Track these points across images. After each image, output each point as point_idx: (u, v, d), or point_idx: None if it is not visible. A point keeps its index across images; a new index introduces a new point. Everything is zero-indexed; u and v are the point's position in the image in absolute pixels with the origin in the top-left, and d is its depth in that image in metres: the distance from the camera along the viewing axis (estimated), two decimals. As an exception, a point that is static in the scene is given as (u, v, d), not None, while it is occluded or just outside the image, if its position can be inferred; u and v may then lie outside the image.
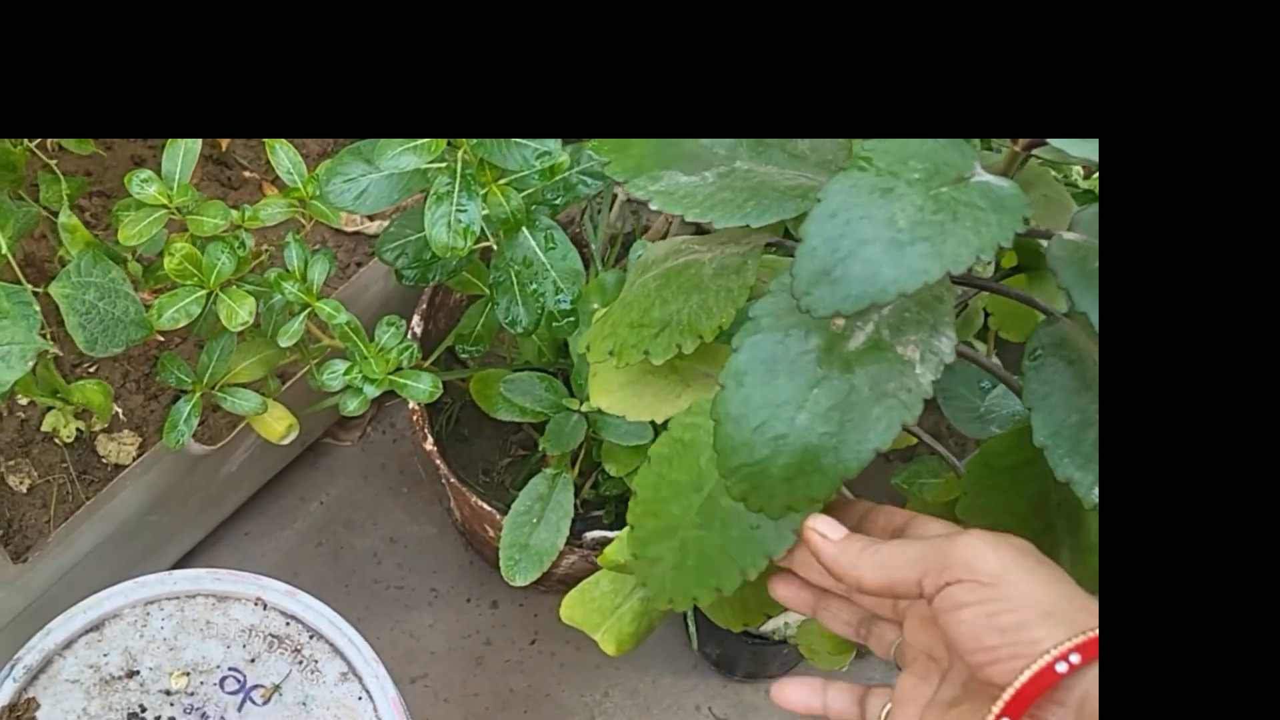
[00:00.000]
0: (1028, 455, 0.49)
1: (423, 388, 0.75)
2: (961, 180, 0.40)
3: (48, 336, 0.71)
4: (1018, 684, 0.37)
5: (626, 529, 0.63)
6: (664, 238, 0.93)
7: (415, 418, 0.91)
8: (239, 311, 0.72)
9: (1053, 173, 0.56)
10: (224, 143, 1.06)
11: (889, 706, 0.45)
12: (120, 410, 0.96)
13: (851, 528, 0.46)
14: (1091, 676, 0.37)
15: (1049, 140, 0.39)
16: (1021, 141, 0.41)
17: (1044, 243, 0.46)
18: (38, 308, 0.67)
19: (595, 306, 0.85)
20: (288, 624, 0.85)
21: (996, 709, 0.38)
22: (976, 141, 0.48)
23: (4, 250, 0.66)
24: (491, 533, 0.98)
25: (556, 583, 1.05)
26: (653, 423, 0.84)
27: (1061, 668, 0.37)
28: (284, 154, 0.76)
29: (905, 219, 0.38)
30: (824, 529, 0.44)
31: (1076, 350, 0.45)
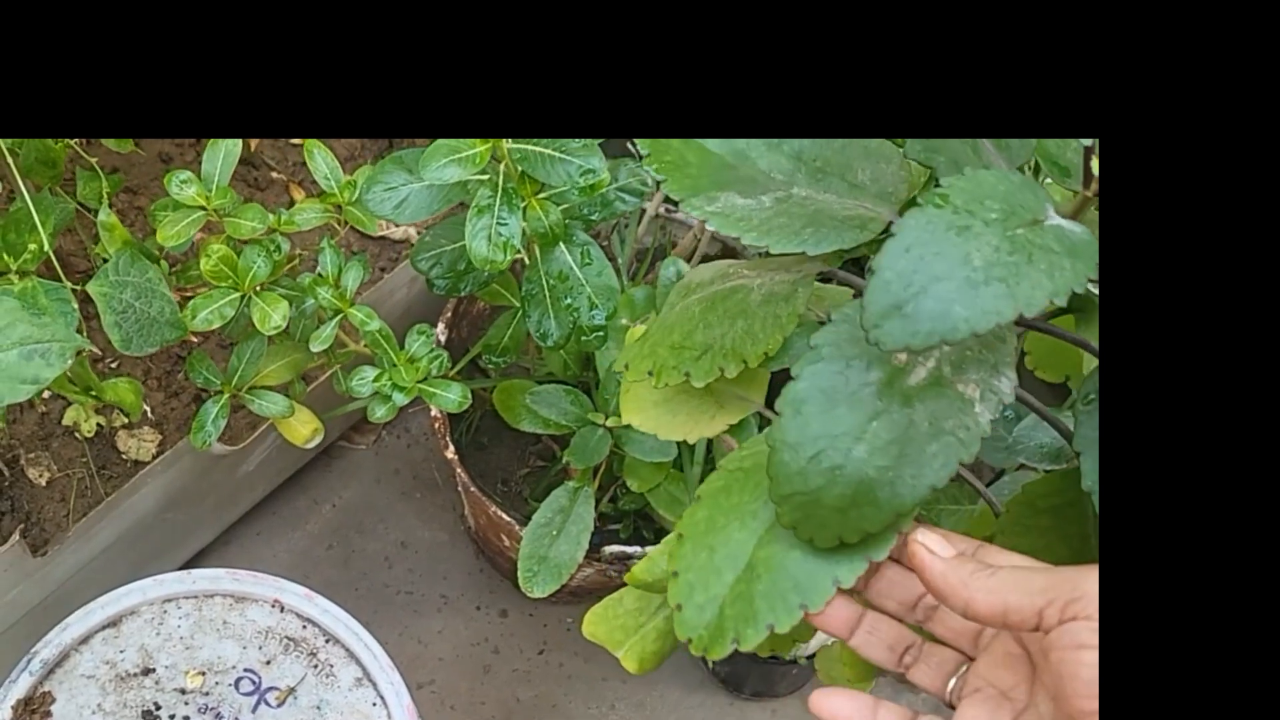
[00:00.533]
0: (1072, 497, 0.49)
1: (452, 397, 0.76)
2: (1036, 223, 0.40)
3: (83, 331, 0.71)
4: None
5: (662, 550, 0.63)
6: (691, 254, 0.94)
7: (437, 425, 0.91)
8: (272, 315, 0.73)
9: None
10: (252, 144, 1.07)
11: None
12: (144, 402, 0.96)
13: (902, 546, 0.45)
14: None
15: None
16: (1093, 187, 0.41)
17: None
18: (75, 305, 0.67)
19: (624, 321, 0.85)
20: (304, 627, 0.85)
21: None
22: (1049, 183, 0.49)
23: (45, 246, 0.66)
24: (507, 542, 0.98)
25: (567, 594, 1.05)
26: (680, 443, 0.85)
27: None
28: (321, 159, 0.76)
29: (981, 258, 0.38)
30: (934, 545, 0.42)
31: (1127, 394, 0.46)
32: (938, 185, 0.40)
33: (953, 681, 0.44)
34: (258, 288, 0.74)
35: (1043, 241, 0.39)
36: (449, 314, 0.94)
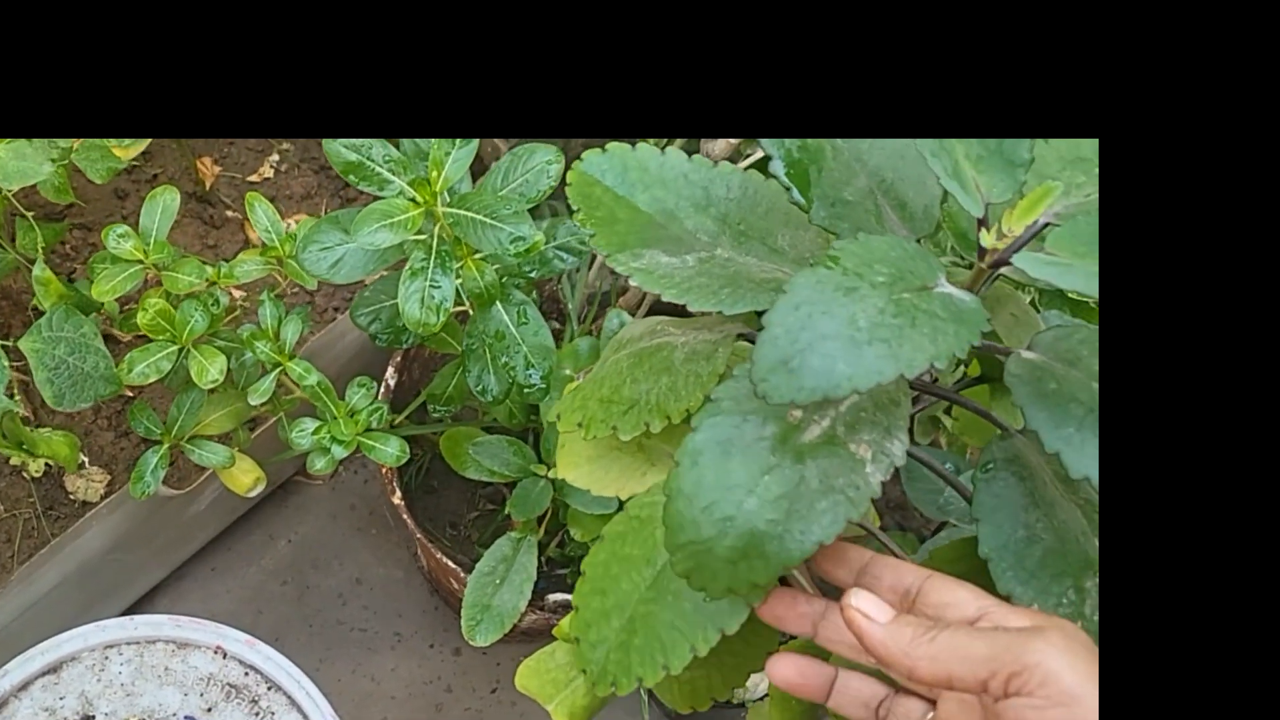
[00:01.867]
0: (977, 564, 0.50)
1: (390, 451, 0.76)
2: (925, 289, 0.40)
3: (14, 387, 0.71)
4: None
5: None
6: (640, 303, 0.94)
7: (384, 471, 0.91)
8: (210, 369, 0.73)
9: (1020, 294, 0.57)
10: (207, 180, 1.07)
11: None
12: (89, 448, 0.96)
13: (851, 579, 0.44)
14: None
15: (1011, 263, 0.40)
16: (988, 259, 0.41)
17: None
18: (6, 363, 0.67)
19: (568, 372, 0.86)
20: (246, 674, 0.85)
21: None
22: (942, 258, 0.49)
23: (-24, 304, 0.66)
24: (456, 585, 0.98)
25: (520, 634, 1.05)
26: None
27: None
28: (262, 212, 0.76)
29: (865, 319, 0.39)
30: (869, 609, 0.41)
31: (1028, 467, 0.46)
32: (831, 245, 0.40)
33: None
34: (195, 341, 0.74)
35: (928, 307, 0.39)
36: (399, 358, 0.94)
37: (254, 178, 1.09)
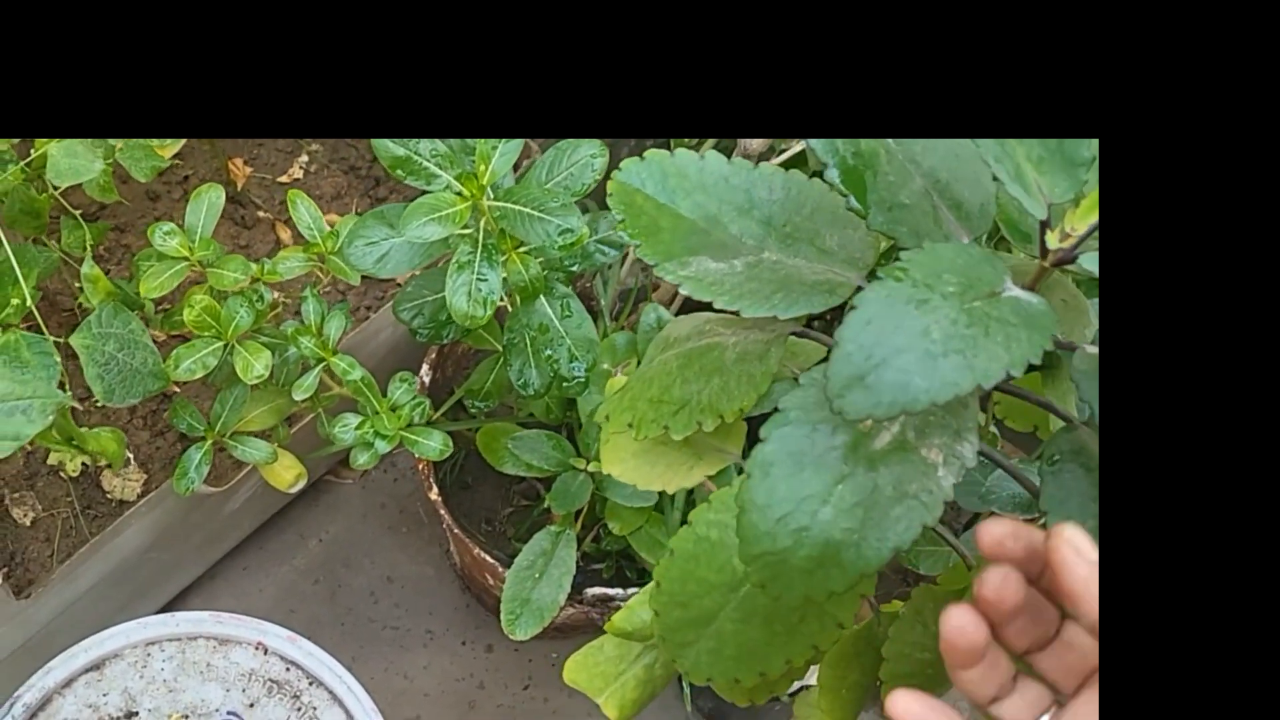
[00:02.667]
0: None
1: (434, 445, 0.76)
2: (994, 295, 0.41)
3: (65, 383, 0.72)
4: None
5: (642, 600, 0.64)
6: (673, 298, 0.94)
7: (421, 466, 0.91)
8: (255, 365, 0.73)
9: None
10: (239, 181, 1.07)
11: None
12: (127, 447, 0.96)
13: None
14: None
15: (1080, 261, 0.40)
16: (1052, 258, 0.42)
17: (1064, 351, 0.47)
18: (58, 358, 0.68)
19: (606, 367, 0.86)
20: (288, 669, 0.85)
21: None
22: (1007, 255, 0.50)
23: (27, 300, 0.67)
24: (491, 581, 0.98)
25: (553, 630, 1.05)
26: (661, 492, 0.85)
27: None
28: (304, 208, 0.77)
29: (939, 331, 0.39)
30: (1081, 544, 0.38)
31: (1094, 458, 0.47)
32: (898, 257, 0.41)
33: (1045, 718, 0.41)
34: (240, 337, 0.74)
35: (999, 314, 0.40)
36: (433, 355, 0.95)
37: (284, 178, 1.10)
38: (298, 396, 0.75)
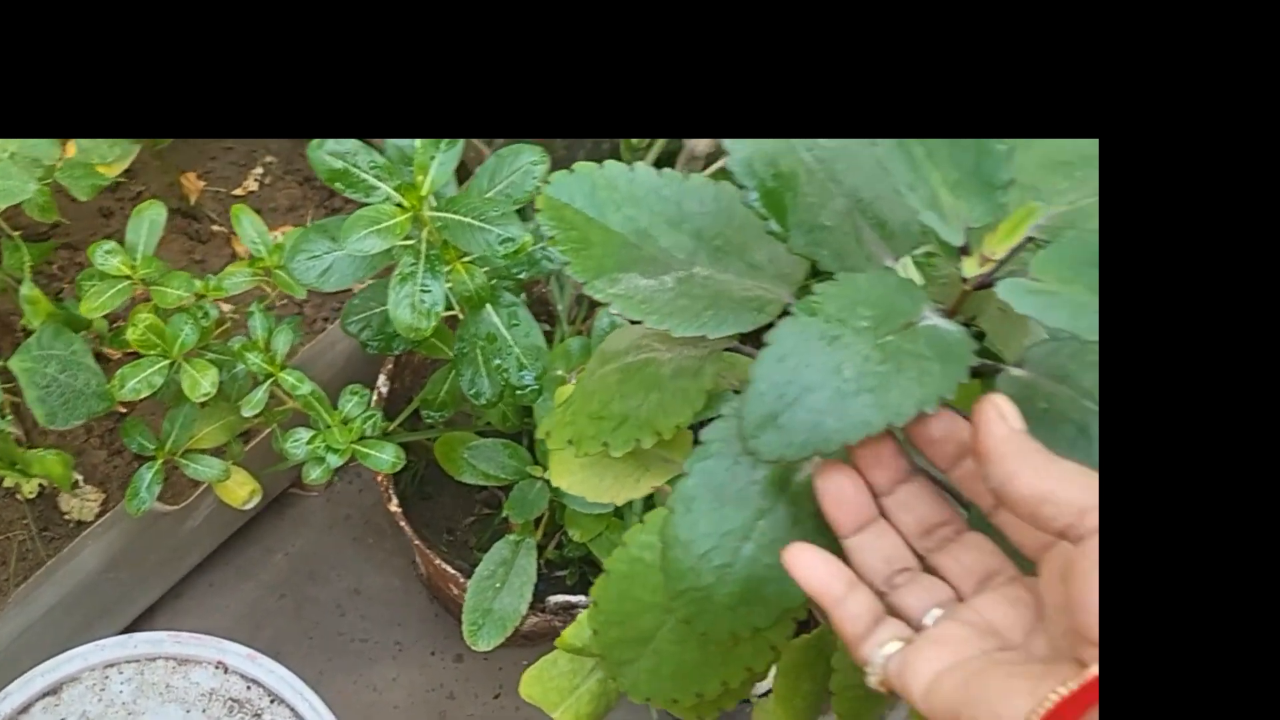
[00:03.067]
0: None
1: (386, 458, 0.76)
2: (910, 325, 0.40)
3: (5, 408, 0.71)
4: None
5: (586, 616, 0.64)
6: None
7: (380, 478, 0.91)
8: (202, 383, 0.72)
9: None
10: (192, 195, 1.06)
11: (899, 647, 0.39)
12: (83, 467, 0.95)
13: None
14: None
15: (996, 290, 0.40)
16: (972, 283, 0.41)
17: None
18: (-2, 382, 0.67)
19: (560, 373, 0.86)
20: (249, 688, 0.84)
21: None
22: (941, 266, 0.49)
23: (-35, 325, 0.66)
24: (456, 591, 0.98)
25: (521, 638, 1.05)
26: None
27: None
28: (249, 223, 0.76)
29: (851, 369, 0.38)
30: (1006, 410, 0.37)
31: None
32: (812, 290, 0.40)
33: (937, 611, 0.40)
34: (187, 355, 0.74)
35: (914, 347, 0.39)
36: (390, 365, 0.94)
37: (238, 191, 1.09)
38: (246, 413, 0.74)
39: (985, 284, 0.41)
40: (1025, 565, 0.41)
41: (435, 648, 1.10)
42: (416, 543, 0.91)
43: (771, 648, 0.53)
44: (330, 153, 0.65)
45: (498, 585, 0.84)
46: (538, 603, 0.88)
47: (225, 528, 1.08)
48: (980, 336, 0.55)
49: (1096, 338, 0.36)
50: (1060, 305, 0.37)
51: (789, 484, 0.43)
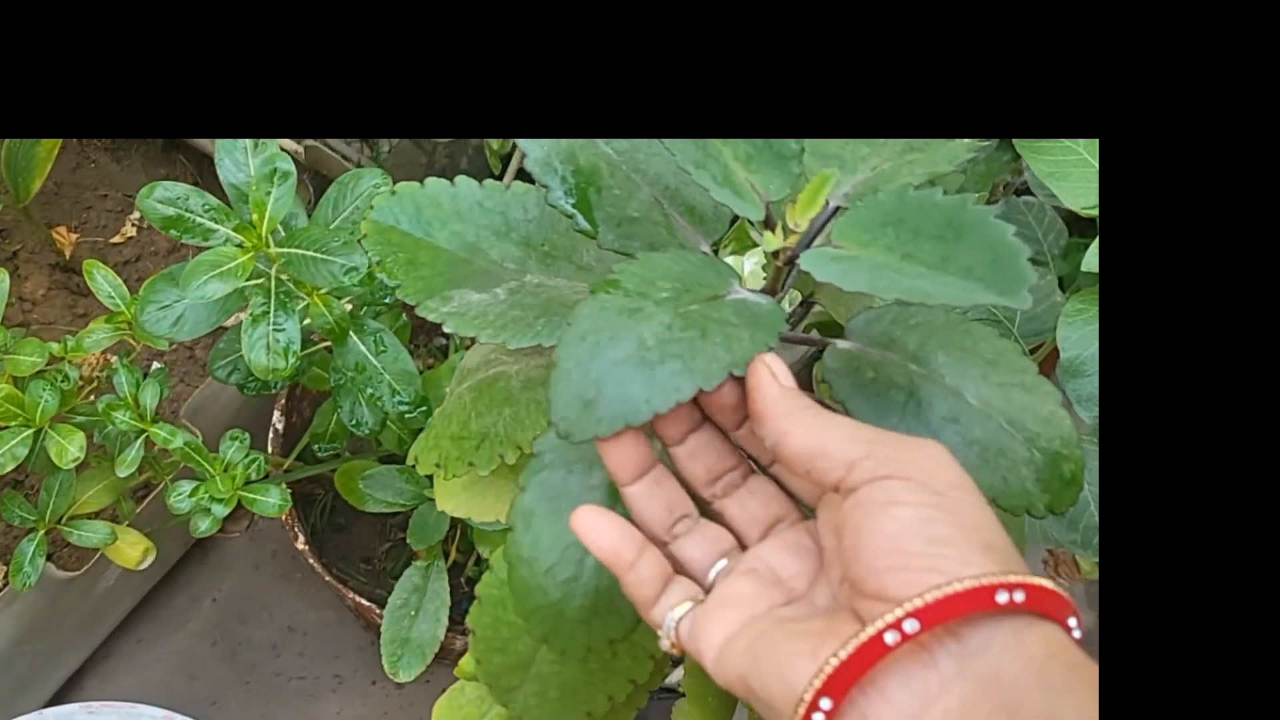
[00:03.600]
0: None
1: (272, 501, 0.73)
2: (715, 298, 0.39)
3: None
4: (946, 591, 0.31)
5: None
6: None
7: (285, 518, 0.89)
8: (69, 448, 0.70)
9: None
10: (66, 249, 1.03)
11: (689, 609, 0.38)
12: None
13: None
14: (1024, 641, 0.32)
15: (800, 262, 0.38)
16: (782, 258, 0.40)
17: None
18: None
19: (449, 390, 0.84)
20: (169, 749, 0.82)
21: (905, 609, 0.32)
22: (745, 267, 0.48)
23: None
24: (380, 621, 0.96)
25: (458, 657, 1.03)
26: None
27: (1002, 597, 0.32)
28: (101, 278, 0.73)
29: (654, 337, 0.37)
30: (777, 368, 0.38)
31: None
32: (612, 271, 0.38)
33: (722, 562, 0.40)
34: (51, 420, 0.71)
35: (719, 315, 0.38)
36: (283, 401, 0.92)
37: (117, 239, 1.06)
38: (122, 473, 0.72)
39: (794, 257, 0.39)
40: (809, 512, 0.40)
41: (375, 677, 1.08)
42: (328, 579, 0.88)
43: (650, 656, 0.52)
44: (160, 200, 0.63)
45: (412, 613, 0.82)
46: (459, 624, 0.87)
47: (145, 582, 1.06)
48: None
49: (894, 297, 0.35)
50: (859, 268, 0.36)
51: None
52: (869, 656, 0.32)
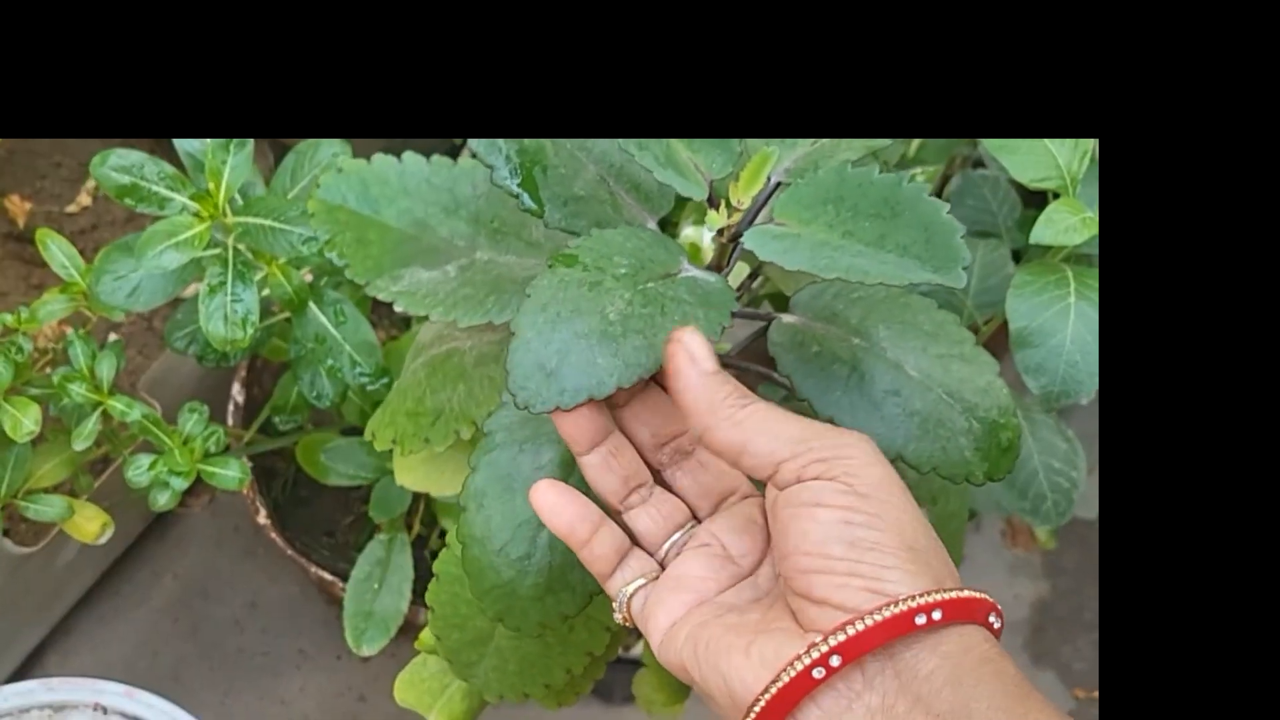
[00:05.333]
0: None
1: (232, 475, 0.73)
2: (669, 276, 0.39)
3: None
4: (873, 620, 0.33)
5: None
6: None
7: (246, 492, 0.88)
8: (24, 421, 0.69)
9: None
10: (19, 219, 1.02)
11: (641, 585, 0.40)
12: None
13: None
14: (940, 640, 0.33)
15: (743, 241, 0.39)
16: (727, 235, 0.40)
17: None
18: None
19: (405, 366, 0.83)
20: (131, 725, 0.82)
21: (828, 646, 0.33)
22: (704, 240, 0.48)
23: None
24: (343, 595, 0.96)
25: (420, 631, 1.03)
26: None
27: (920, 619, 0.33)
28: (55, 247, 0.72)
29: (615, 312, 0.37)
30: (698, 352, 0.37)
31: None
32: (568, 244, 0.39)
33: (676, 535, 0.40)
34: (5, 393, 0.70)
35: (675, 293, 0.38)
36: (243, 373, 0.91)
37: (72, 208, 1.05)
38: (78, 446, 0.71)
39: (739, 234, 0.40)
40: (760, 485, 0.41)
41: (339, 651, 1.08)
42: (291, 553, 0.88)
43: (605, 628, 0.52)
44: (114, 168, 0.62)
45: (375, 587, 0.82)
46: (423, 597, 0.87)
47: (105, 557, 1.05)
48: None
49: (833, 275, 0.35)
50: (800, 246, 0.37)
51: (576, 465, 0.42)
52: (796, 692, 0.33)
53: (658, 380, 0.40)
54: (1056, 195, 0.55)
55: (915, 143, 0.70)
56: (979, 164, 0.80)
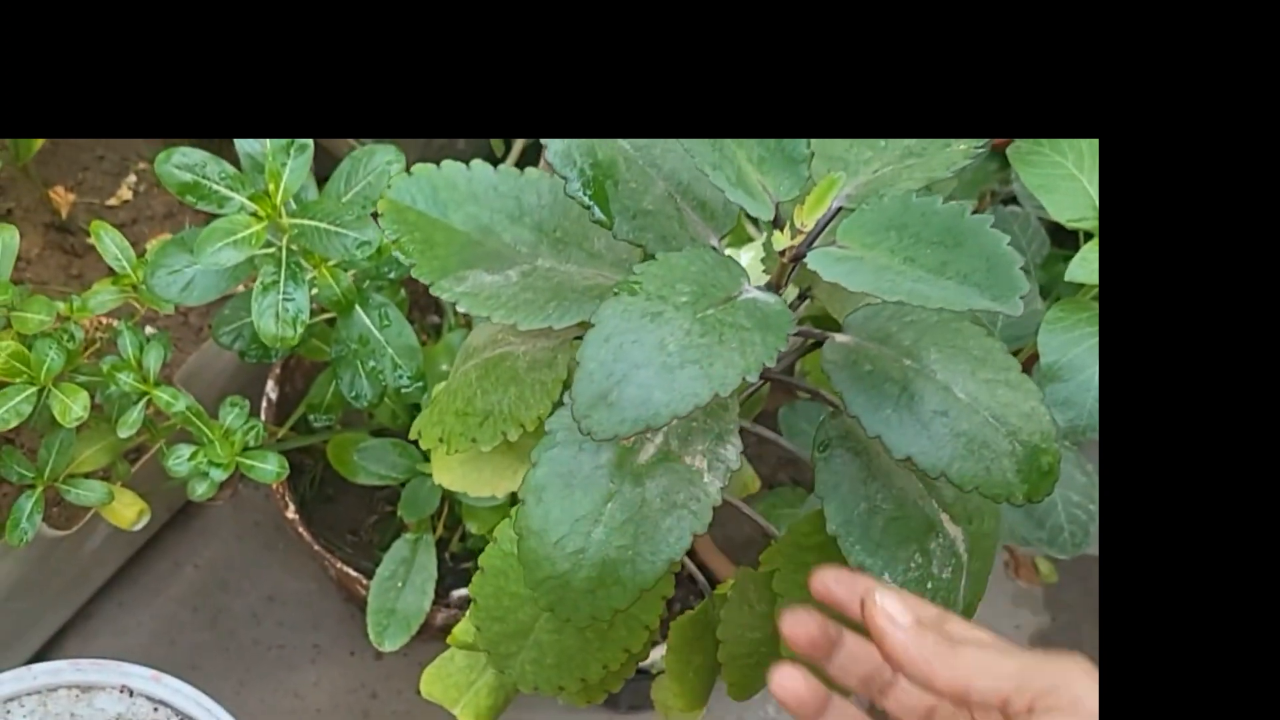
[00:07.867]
0: (830, 536, 0.51)
1: (270, 468, 0.75)
2: (729, 300, 0.41)
3: None
4: None
5: (469, 612, 0.64)
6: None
7: (276, 487, 0.90)
8: (73, 407, 0.71)
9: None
10: (63, 209, 1.04)
11: None
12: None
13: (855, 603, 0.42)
14: None
15: (807, 261, 0.40)
16: (788, 255, 0.42)
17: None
18: None
19: (445, 367, 0.85)
20: (156, 710, 0.83)
21: None
22: (742, 260, 0.50)
23: None
24: (364, 591, 0.97)
25: (438, 631, 1.05)
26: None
27: None
28: (110, 240, 0.75)
29: (675, 343, 0.39)
30: (893, 610, 0.39)
31: (861, 441, 0.47)
32: (633, 270, 0.40)
33: None
34: (55, 379, 0.72)
35: (734, 319, 0.40)
36: (278, 370, 0.93)
37: (113, 201, 1.07)
38: (123, 434, 0.73)
39: (800, 255, 0.41)
40: None
41: (354, 648, 1.10)
42: (316, 548, 0.90)
43: (645, 627, 0.54)
44: (177, 165, 0.64)
45: (399, 585, 0.84)
46: (443, 598, 0.89)
47: (130, 545, 1.07)
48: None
49: (896, 298, 0.37)
50: (863, 269, 0.39)
51: (633, 464, 0.44)
52: None
53: (847, 621, 0.41)
54: (1089, 236, 0.57)
55: (948, 177, 0.72)
56: (1007, 200, 0.82)
